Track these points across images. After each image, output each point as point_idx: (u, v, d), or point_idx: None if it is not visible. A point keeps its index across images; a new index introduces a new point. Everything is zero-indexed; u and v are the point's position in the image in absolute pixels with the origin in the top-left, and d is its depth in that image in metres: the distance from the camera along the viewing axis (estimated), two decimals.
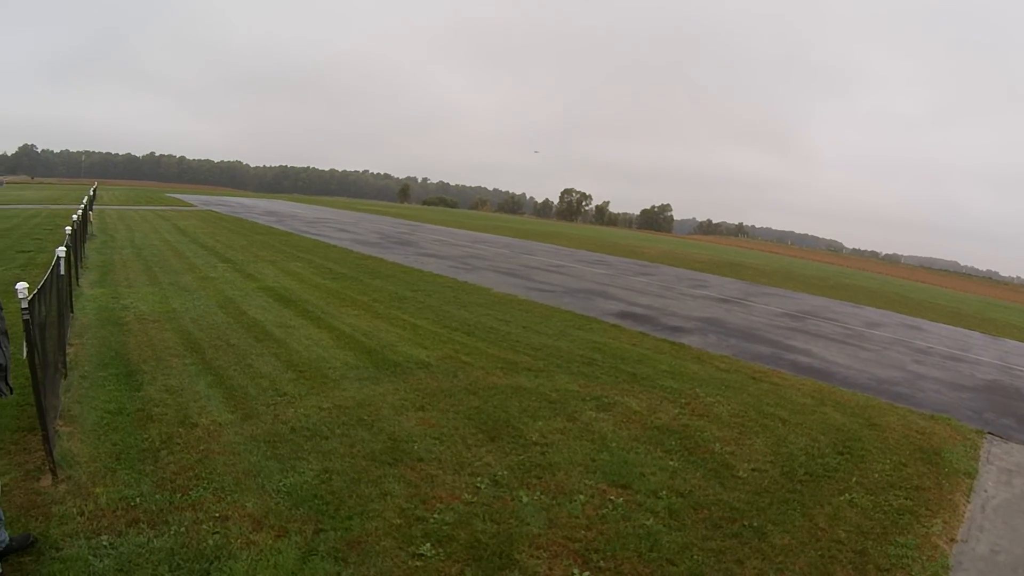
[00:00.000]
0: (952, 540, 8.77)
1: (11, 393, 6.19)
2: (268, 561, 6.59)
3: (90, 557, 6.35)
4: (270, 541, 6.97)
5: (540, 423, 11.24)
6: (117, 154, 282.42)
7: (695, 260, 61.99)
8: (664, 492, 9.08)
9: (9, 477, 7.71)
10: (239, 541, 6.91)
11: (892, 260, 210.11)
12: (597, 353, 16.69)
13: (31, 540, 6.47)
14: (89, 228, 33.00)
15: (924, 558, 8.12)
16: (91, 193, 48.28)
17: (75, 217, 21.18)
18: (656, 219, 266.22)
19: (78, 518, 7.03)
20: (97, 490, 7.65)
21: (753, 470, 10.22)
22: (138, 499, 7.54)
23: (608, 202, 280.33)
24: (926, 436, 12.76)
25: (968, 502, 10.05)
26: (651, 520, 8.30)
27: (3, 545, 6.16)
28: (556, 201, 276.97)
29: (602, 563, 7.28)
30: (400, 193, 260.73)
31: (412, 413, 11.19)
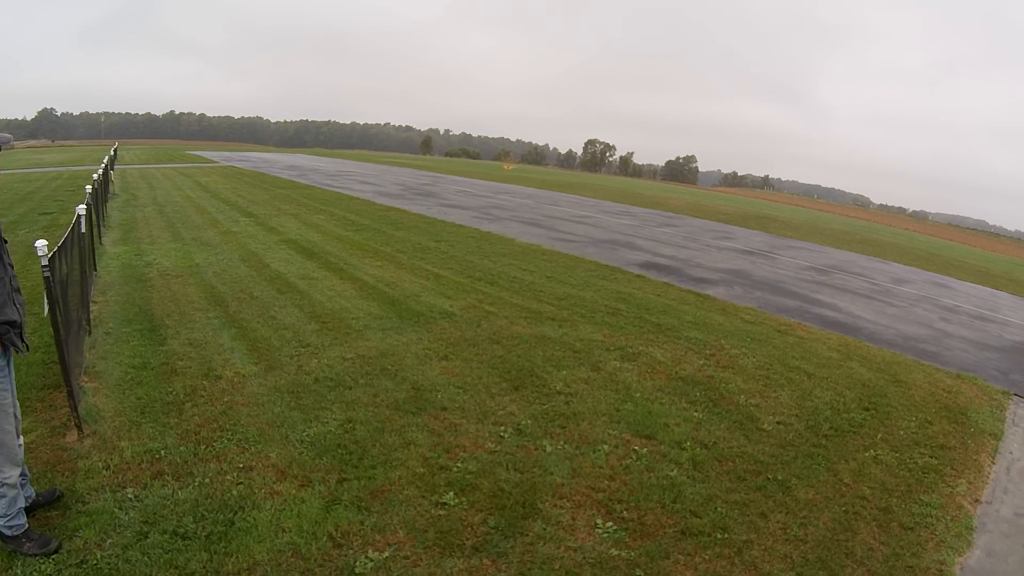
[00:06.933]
0: (976, 501, 8.69)
1: (27, 350, 6.14)
2: (292, 510, 6.61)
3: (115, 510, 6.38)
4: (294, 491, 6.98)
5: (564, 372, 11.20)
6: (137, 114, 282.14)
7: (720, 212, 61.62)
8: (688, 443, 9.04)
9: (35, 434, 7.73)
10: (263, 491, 6.93)
11: (920, 217, 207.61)
12: (622, 303, 16.63)
13: (57, 495, 6.49)
14: (110, 187, 33.10)
15: (948, 518, 8.04)
16: (111, 153, 48.25)
17: (95, 176, 21.17)
18: (681, 171, 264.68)
19: (103, 472, 7.06)
20: (122, 444, 7.67)
21: (778, 423, 10.16)
22: (163, 452, 7.56)
23: (632, 153, 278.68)
24: (952, 395, 12.63)
25: (993, 463, 9.95)
26: (675, 471, 8.27)
27: (29, 500, 6.16)
28: (580, 152, 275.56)
29: (625, 514, 7.26)
30: (422, 145, 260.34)
31: (436, 363, 11.18)
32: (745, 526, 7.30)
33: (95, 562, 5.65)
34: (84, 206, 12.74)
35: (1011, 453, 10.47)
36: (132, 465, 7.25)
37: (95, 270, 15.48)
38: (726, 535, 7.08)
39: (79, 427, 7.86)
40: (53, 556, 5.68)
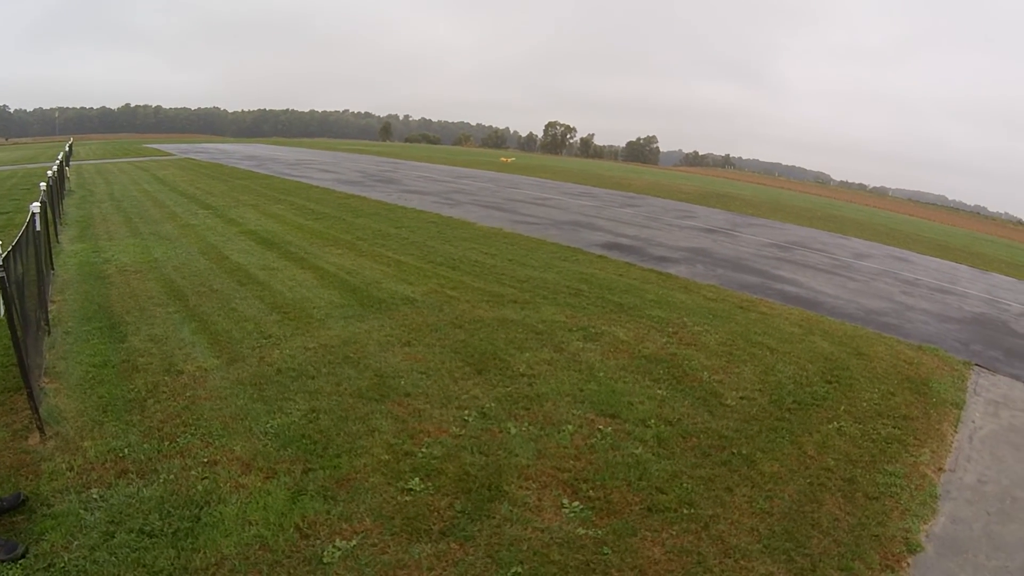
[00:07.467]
0: (940, 469, 8.86)
1: None
2: (258, 503, 6.63)
3: (81, 511, 6.37)
4: (259, 483, 7.01)
5: (527, 355, 11.27)
6: (92, 108, 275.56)
7: (681, 191, 61.58)
8: (653, 421, 9.15)
9: None
10: (228, 485, 6.95)
11: (880, 193, 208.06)
12: (583, 284, 16.71)
13: (22, 499, 6.44)
14: (66, 184, 32.62)
15: (913, 487, 8.21)
16: (66, 149, 47.54)
17: (50, 173, 20.91)
18: (642, 151, 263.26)
19: (67, 473, 7.03)
20: (85, 444, 7.63)
21: (741, 398, 10.30)
22: (126, 450, 7.55)
23: (593, 135, 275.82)
24: (914, 366, 12.83)
25: (956, 432, 10.14)
26: (640, 449, 8.37)
27: None
28: (540, 135, 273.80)
29: (591, 493, 7.35)
30: (382, 131, 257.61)
31: (398, 349, 11.21)
32: (711, 501, 7.42)
33: (63, 565, 5.66)
34: (39, 204, 12.61)
35: (973, 422, 10.68)
36: (96, 465, 7.22)
37: (52, 268, 15.33)
38: (692, 510, 7.20)
39: (41, 429, 7.80)
40: (20, 561, 5.66)
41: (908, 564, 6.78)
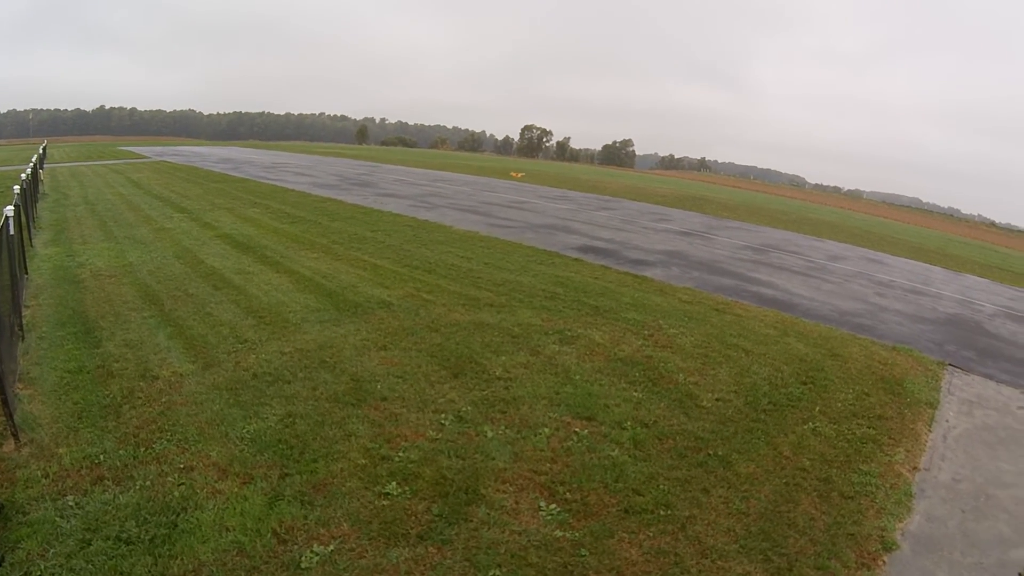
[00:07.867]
0: (915, 468, 8.99)
1: None
2: (235, 508, 6.63)
3: (57, 518, 6.34)
4: (236, 488, 7.00)
5: (503, 358, 11.30)
6: (66, 110, 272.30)
7: (657, 194, 61.72)
8: (629, 423, 9.21)
9: None
10: (205, 491, 6.94)
11: (854, 195, 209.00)
12: (559, 287, 16.75)
13: None
14: (40, 187, 32.31)
15: (888, 486, 8.32)
16: (40, 151, 47.08)
17: (24, 176, 20.73)
18: (618, 154, 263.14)
19: (43, 480, 6.99)
20: (60, 451, 7.59)
21: (717, 400, 10.38)
22: (102, 456, 7.50)
23: (569, 138, 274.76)
24: (888, 367, 12.96)
25: (930, 431, 10.28)
26: (616, 451, 8.43)
27: None
28: (517, 138, 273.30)
29: (568, 495, 7.40)
30: (358, 134, 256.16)
31: (374, 353, 11.21)
32: (688, 502, 7.48)
33: (39, 573, 5.64)
34: (12, 207, 12.51)
35: (947, 421, 10.82)
36: (71, 472, 7.18)
37: (26, 273, 15.17)
38: (669, 511, 7.26)
39: (15, 436, 7.74)
40: None
41: (884, 562, 6.88)
